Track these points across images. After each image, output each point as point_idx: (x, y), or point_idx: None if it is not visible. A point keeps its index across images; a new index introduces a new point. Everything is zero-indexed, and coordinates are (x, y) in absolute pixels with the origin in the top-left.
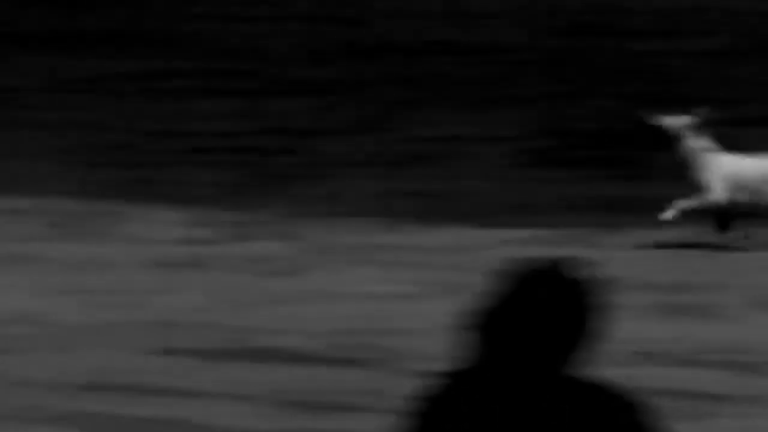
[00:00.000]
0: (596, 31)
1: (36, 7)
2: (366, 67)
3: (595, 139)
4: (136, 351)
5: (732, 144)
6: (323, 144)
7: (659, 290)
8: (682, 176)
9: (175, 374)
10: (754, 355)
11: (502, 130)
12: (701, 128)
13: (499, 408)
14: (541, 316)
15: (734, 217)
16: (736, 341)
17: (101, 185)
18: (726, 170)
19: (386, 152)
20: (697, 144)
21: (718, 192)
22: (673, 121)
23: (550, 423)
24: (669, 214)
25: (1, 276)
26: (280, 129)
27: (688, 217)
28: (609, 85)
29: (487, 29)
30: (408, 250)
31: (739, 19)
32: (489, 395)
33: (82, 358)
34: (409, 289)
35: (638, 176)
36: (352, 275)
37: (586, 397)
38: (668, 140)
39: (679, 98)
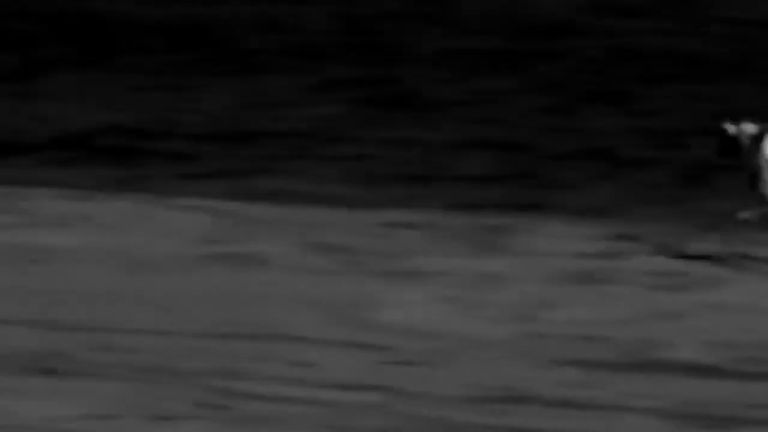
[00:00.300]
0: None
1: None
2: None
3: None
4: (535, 365)
5: None
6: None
7: None
8: None
9: (575, 387)
10: None
11: None
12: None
13: None
14: None
15: None
16: None
17: (495, 199)
18: None
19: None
20: None
21: None
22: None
23: None
24: (747, 214)
25: (401, 290)
26: (657, 135)
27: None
28: None
29: None
30: None
31: None
32: None
33: (480, 371)
34: None
35: None
36: (744, 288)
37: None
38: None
39: None
